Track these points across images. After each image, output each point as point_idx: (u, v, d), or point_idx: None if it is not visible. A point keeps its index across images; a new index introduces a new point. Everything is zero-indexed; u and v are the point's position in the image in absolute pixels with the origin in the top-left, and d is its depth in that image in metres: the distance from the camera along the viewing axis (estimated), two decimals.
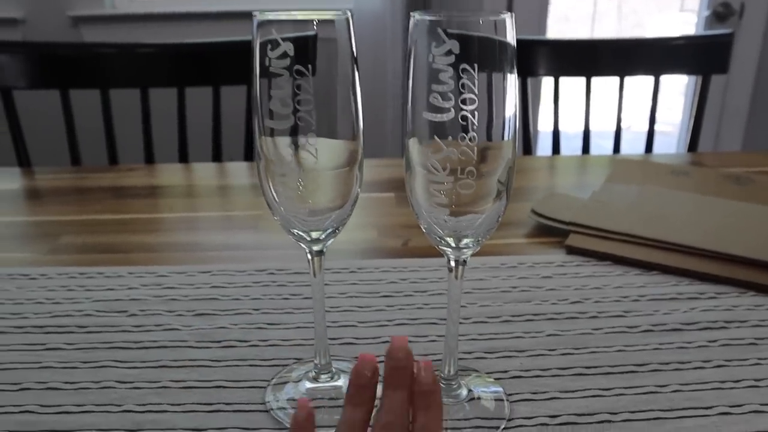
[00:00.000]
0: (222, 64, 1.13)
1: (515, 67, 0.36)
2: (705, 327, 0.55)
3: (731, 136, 2.33)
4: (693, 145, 1.27)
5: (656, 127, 1.25)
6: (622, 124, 1.26)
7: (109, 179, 0.97)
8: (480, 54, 0.34)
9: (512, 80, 0.36)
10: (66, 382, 0.49)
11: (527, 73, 1.20)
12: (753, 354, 0.52)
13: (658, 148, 1.29)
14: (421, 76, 0.34)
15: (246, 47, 1.12)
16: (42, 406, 0.46)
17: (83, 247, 0.73)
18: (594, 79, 1.22)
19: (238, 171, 1.04)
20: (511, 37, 0.35)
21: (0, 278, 0.65)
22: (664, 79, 1.25)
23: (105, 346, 0.53)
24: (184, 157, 1.16)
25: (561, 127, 1.24)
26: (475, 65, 0.33)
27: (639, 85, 1.29)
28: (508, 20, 0.34)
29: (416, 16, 0.34)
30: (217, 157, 1.16)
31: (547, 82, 1.24)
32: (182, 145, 1.15)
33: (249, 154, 1.16)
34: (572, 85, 1.27)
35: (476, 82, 0.33)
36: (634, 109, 1.45)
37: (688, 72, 1.33)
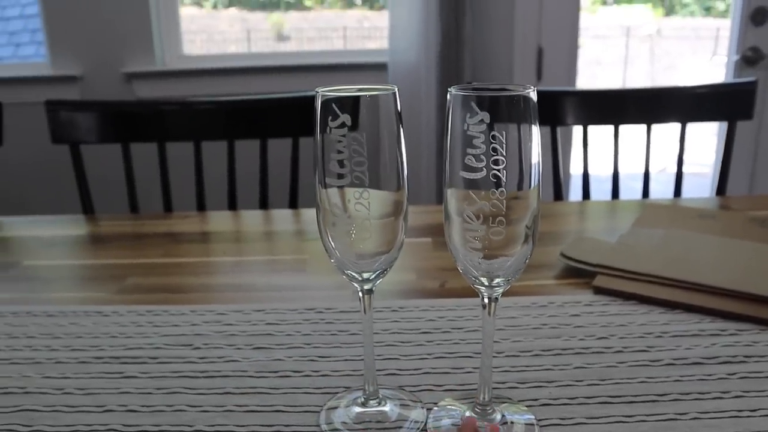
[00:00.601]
0: (269, 118, 1.22)
1: (538, 124, 0.42)
2: (725, 361, 0.59)
3: (765, 177, 2.34)
4: (721, 189, 1.30)
5: (689, 169, 1.29)
6: (651, 168, 1.31)
7: (166, 225, 1.06)
8: (507, 118, 0.40)
9: (536, 136, 0.42)
10: (143, 406, 0.55)
11: (556, 122, 1.26)
12: None
13: (692, 189, 1.33)
14: (457, 141, 0.40)
15: (290, 102, 1.21)
16: (124, 425, 0.52)
17: (147, 287, 0.81)
18: (622, 126, 1.28)
19: (283, 218, 1.12)
20: (533, 103, 0.41)
21: (77, 315, 0.72)
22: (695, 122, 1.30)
23: (175, 375, 0.59)
24: (233, 205, 1.24)
25: (592, 171, 1.29)
26: (504, 131, 0.39)
27: (671, 128, 1.34)
28: (532, 93, 0.40)
29: (453, 91, 0.40)
30: (263, 204, 1.24)
31: (577, 128, 1.30)
32: (231, 194, 1.24)
33: (293, 202, 1.24)
34: (602, 130, 1.32)
35: (505, 144, 0.39)
36: (667, 152, 1.49)
37: (714, 119, 1.37)
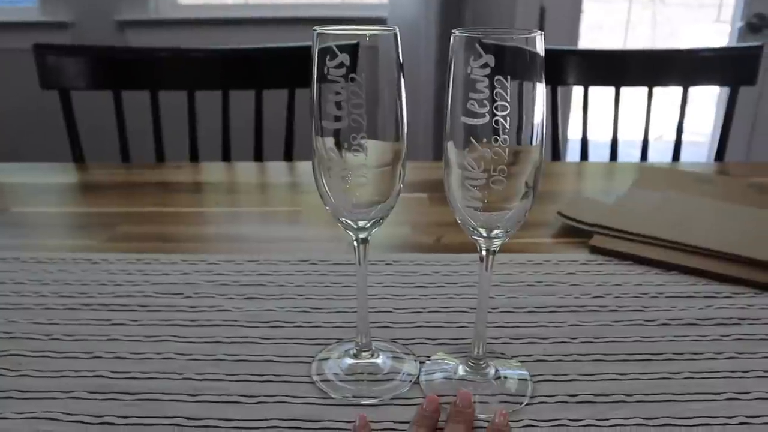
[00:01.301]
0: (265, 69, 1.19)
1: (543, 78, 0.40)
2: (719, 323, 0.59)
3: (763, 145, 2.33)
4: (720, 155, 1.29)
5: (687, 137, 1.28)
6: (651, 135, 1.29)
7: (158, 175, 1.04)
8: (512, 66, 0.38)
9: (541, 90, 0.40)
10: (132, 353, 0.54)
11: (557, 82, 1.24)
12: (764, 348, 0.55)
13: (688, 157, 1.31)
14: (459, 86, 0.39)
15: (287, 53, 1.17)
16: (112, 372, 0.52)
17: (138, 236, 0.80)
18: (623, 89, 1.25)
19: (278, 170, 1.10)
20: (540, 52, 0.39)
21: (65, 262, 0.71)
22: (696, 89, 1.28)
23: (165, 323, 0.59)
24: (227, 156, 1.22)
25: (590, 136, 1.28)
26: (508, 77, 0.37)
27: (669, 95, 1.32)
28: (538, 38, 0.39)
29: (457, 33, 0.38)
30: (258, 156, 1.22)
31: (577, 91, 1.27)
32: (225, 145, 1.22)
33: (288, 154, 1.22)
34: (602, 95, 1.30)
35: (509, 91, 0.38)
36: (664, 119, 1.47)
37: (717, 83, 1.35)
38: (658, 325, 0.58)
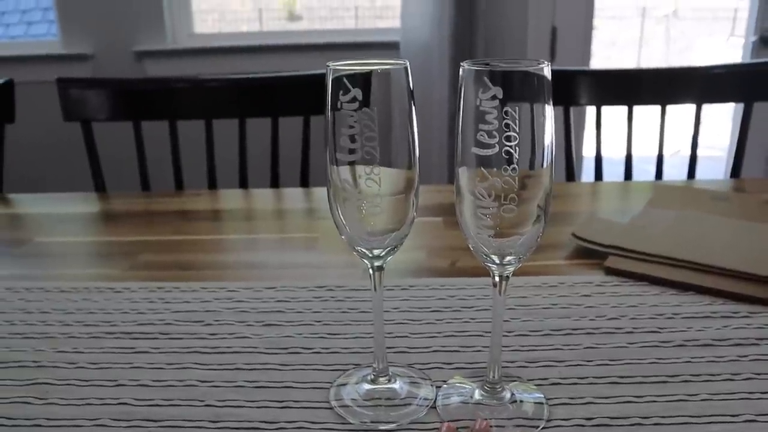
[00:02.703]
0: (281, 97, 1.22)
1: (551, 103, 0.41)
2: (736, 343, 0.59)
3: None
4: (736, 172, 1.29)
5: (705, 152, 1.28)
6: (666, 150, 1.29)
7: (177, 203, 1.06)
8: (521, 96, 0.40)
9: (549, 116, 0.42)
10: (155, 380, 0.55)
11: (569, 102, 1.25)
12: None
13: (706, 173, 1.31)
14: (469, 117, 0.40)
15: (302, 81, 1.20)
16: (135, 399, 0.53)
17: (159, 264, 0.81)
18: (636, 107, 1.26)
19: (294, 196, 1.12)
20: (548, 79, 0.40)
21: (89, 291, 0.73)
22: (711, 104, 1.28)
23: (186, 351, 0.60)
24: (244, 183, 1.24)
25: (605, 153, 1.28)
26: (517, 108, 0.38)
27: (685, 110, 1.32)
28: (546, 68, 0.40)
29: (465, 66, 0.40)
30: (275, 182, 1.24)
31: (591, 109, 1.28)
32: (242, 172, 1.24)
33: (304, 180, 1.24)
34: (616, 111, 1.31)
35: (517, 121, 0.39)
36: (681, 134, 1.47)
37: (731, 100, 1.36)
38: (674, 346, 0.59)
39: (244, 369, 0.57)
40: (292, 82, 1.21)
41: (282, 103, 1.21)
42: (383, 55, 2.29)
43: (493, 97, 0.38)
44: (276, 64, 2.28)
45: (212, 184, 1.23)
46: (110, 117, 1.20)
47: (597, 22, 2.34)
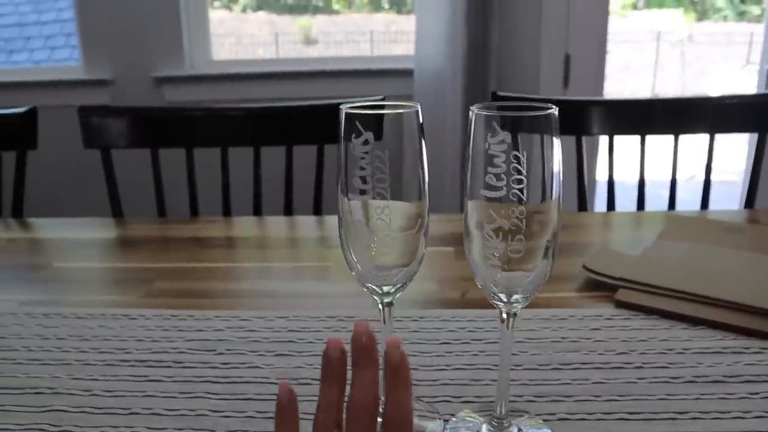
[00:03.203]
0: (295, 125, 1.24)
1: (559, 139, 0.42)
2: (747, 380, 0.59)
3: None
4: (750, 202, 1.28)
5: (722, 177, 1.28)
6: (679, 177, 1.29)
7: (192, 230, 1.08)
8: (528, 140, 0.41)
9: (557, 151, 0.42)
10: (167, 409, 0.56)
11: (581, 132, 1.26)
12: None
13: (721, 198, 1.30)
14: (478, 159, 0.41)
15: (316, 111, 1.22)
16: (148, 428, 0.54)
17: (174, 291, 0.83)
18: (649, 136, 1.26)
19: (307, 225, 1.13)
20: (556, 120, 0.42)
21: (105, 318, 0.74)
22: None
23: (198, 380, 0.61)
24: (258, 211, 1.25)
25: (618, 178, 1.28)
26: (524, 152, 0.40)
27: (700, 137, 1.32)
28: (554, 112, 0.41)
29: (475, 110, 0.41)
30: (288, 210, 1.26)
31: (603, 138, 1.29)
32: (256, 199, 1.25)
33: (317, 208, 1.25)
34: (629, 138, 1.31)
35: (525, 165, 0.40)
36: (695, 160, 1.47)
37: (743, 130, 1.36)
38: (684, 382, 0.59)
39: (254, 399, 0.58)
40: (307, 111, 1.23)
41: (296, 132, 1.23)
42: (397, 82, 2.31)
43: (502, 142, 0.39)
44: (292, 90, 2.31)
45: (227, 211, 1.25)
46: (129, 144, 1.23)
47: (610, 46, 2.35)
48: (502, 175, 0.40)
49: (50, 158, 2.29)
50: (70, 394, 0.59)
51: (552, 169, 0.42)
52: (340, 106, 0.43)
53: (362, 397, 0.36)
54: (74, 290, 0.84)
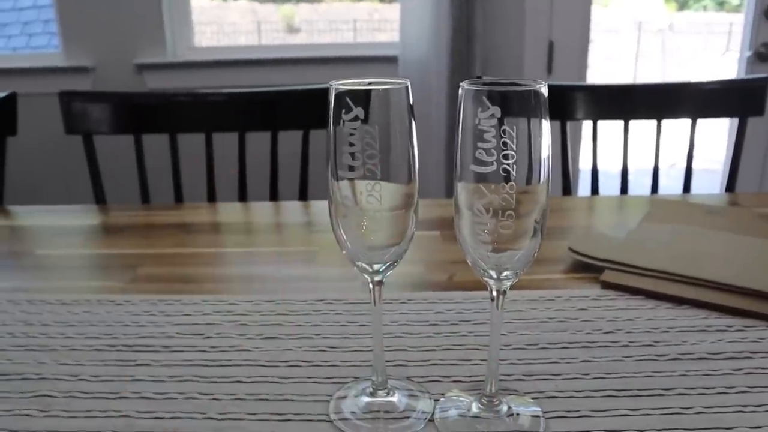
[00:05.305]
0: (280, 110, 1.23)
1: (548, 119, 0.42)
2: (731, 357, 0.60)
3: None
4: (731, 186, 1.30)
5: (703, 165, 1.30)
6: (662, 163, 1.30)
7: (177, 216, 1.07)
8: (518, 114, 0.41)
9: (546, 132, 0.43)
10: (156, 393, 0.56)
11: (566, 117, 1.27)
12: None
13: (703, 184, 1.32)
14: (468, 135, 0.41)
15: (301, 95, 1.21)
16: (138, 411, 0.53)
17: (160, 277, 0.82)
18: (632, 122, 1.27)
19: (293, 210, 1.12)
20: (544, 98, 0.42)
21: (90, 303, 0.73)
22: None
23: (187, 364, 0.60)
24: (243, 197, 1.25)
25: (602, 166, 1.29)
26: (514, 126, 0.40)
27: (682, 123, 1.34)
28: (543, 88, 0.41)
29: (465, 86, 0.41)
30: (273, 196, 1.25)
31: (587, 124, 1.30)
32: (242, 185, 1.25)
33: (303, 193, 1.25)
34: (613, 125, 1.32)
35: (515, 139, 0.40)
36: (678, 147, 1.49)
37: (725, 115, 1.37)
38: (669, 359, 0.59)
39: (244, 382, 0.57)
40: (292, 96, 1.22)
41: (281, 117, 1.23)
42: (382, 68, 2.30)
43: (492, 116, 0.39)
44: (275, 78, 2.29)
45: (212, 197, 1.24)
46: (111, 130, 1.21)
47: (593, 35, 2.36)
48: (492, 150, 0.40)
49: (31, 144, 2.26)
50: (57, 379, 0.58)
51: (540, 148, 0.42)
52: (330, 83, 0.42)
53: None
54: (58, 277, 0.83)
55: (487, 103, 0.39)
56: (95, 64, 2.33)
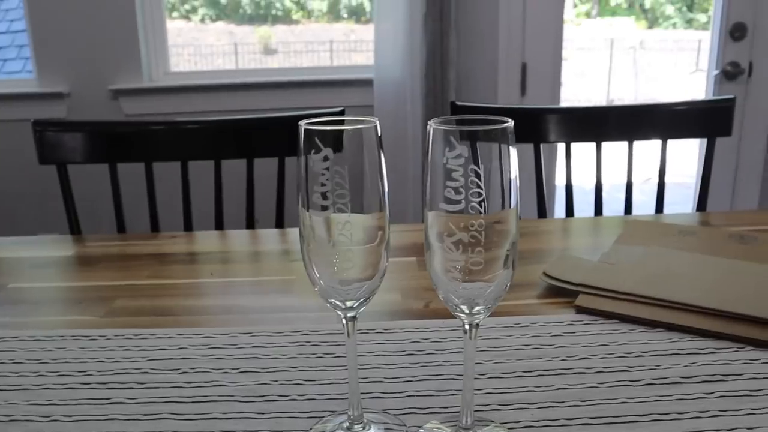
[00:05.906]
0: (256, 138, 1.23)
1: (516, 156, 0.43)
2: (703, 380, 0.61)
3: (747, 192, 2.38)
4: (702, 204, 1.32)
5: (675, 179, 1.31)
6: (633, 181, 1.33)
7: (153, 246, 1.06)
8: (486, 153, 0.42)
9: (513, 160, 0.43)
10: None
11: (539, 139, 1.28)
12: (747, 405, 0.57)
13: (677, 200, 1.35)
14: (437, 174, 0.42)
15: (276, 122, 1.21)
16: None
17: (135, 310, 0.81)
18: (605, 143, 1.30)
19: (270, 238, 1.12)
20: (512, 132, 0.42)
21: (64, 339, 0.72)
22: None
23: (162, 401, 0.60)
24: (220, 225, 1.24)
25: (577, 183, 1.31)
26: (482, 166, 0.40)
27: (653, 142, 1.36)
28: (509, 125, 0.42)
29: (433, 125, 0.42)
30: (250, 224, 1.25)
31: (561, 144, 1.32)
32: (218, 213, 1.24)
33: (279, 220, 1.25)
34: (586, 146, 1.34)
35: (482, 178, 0.41)
36: (652, 162, 1.51)
37: (694, 136, 1.40)
38: (643, 385, 0.60)
39: (220, 418, 0.57)
40: (267, 123, 1.22)
41: (257, 145, 1.23)
42: (357, 92, 2.32)
43: (459, 156, 0.40)
44: (251, 102, 2.30)
45: (188, 226, 1.23)
46: (86, 159, 1.21)
47: (566, 53, 2.40)
48: (461, 189, 0.41)
49: (4, 174, 2.23)
50: (28, 420, 0.58)
51: (509, 179, 0.43)
52: (299, 123, 0.43)
53: None
54: (31, 312, 0.82)
55: (455, 143, 0.40)
56: (70, 90, 2.31)
